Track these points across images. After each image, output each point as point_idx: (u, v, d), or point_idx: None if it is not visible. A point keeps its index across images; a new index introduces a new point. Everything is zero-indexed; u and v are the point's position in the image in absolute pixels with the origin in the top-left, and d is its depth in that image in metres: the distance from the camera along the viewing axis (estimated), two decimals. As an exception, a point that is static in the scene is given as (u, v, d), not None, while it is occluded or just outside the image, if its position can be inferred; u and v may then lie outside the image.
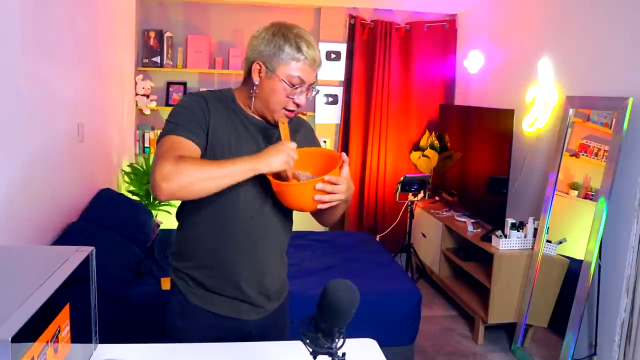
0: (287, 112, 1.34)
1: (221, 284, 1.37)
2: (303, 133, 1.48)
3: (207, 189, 1.19)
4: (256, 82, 1.31)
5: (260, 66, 1.30)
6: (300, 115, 1.41)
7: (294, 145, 1.25)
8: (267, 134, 1.39)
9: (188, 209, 1.39)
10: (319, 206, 1.23)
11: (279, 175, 1.28)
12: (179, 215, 1.42)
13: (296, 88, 1.30)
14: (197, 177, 1.17)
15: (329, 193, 1.21)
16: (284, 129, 1.31)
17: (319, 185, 1.19)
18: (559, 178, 2.90)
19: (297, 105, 1.34)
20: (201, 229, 1.36)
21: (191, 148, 1.25)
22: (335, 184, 1.21)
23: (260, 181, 1.30)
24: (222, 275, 1.37)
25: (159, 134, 1.31)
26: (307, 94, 1.34)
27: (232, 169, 1.19)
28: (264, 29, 1.32)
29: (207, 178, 1.18)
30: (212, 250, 1.37)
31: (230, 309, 1.39)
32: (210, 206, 1.32)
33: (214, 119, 1.31)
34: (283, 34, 1.29)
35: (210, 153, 1.30)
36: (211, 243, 1.36)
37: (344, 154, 1.28)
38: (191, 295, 1.38)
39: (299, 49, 1.28)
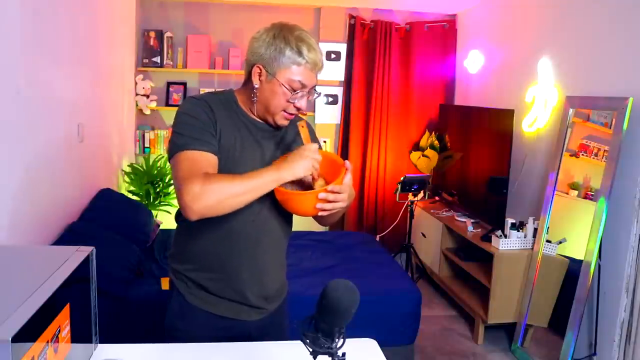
0: (287, 115, 1.32)
1: (222, 288, 1.37)
2: None
3: (237, 205, 1.19)
4: (256, 86, 1.29)
5: (261, 69, 1.27)
6: (300, 115, 1.40)
7: (316, 146, 1.25)
8: (270, 137, 1.38)
9: None
10: (320, 213, 1.24)
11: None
12: (178, 218, 1.41)
13: (297, 92, 1.28)
14: (225, 195, 1.16)
15: (331, 201, 1.21)
16: (304, 132, 1.32)
17: (322, 195, 1.20)
18: (559, 178, 2.90)
19: (298, 109, 1.32)
20: (202, 232, 1.35)
21: (210, 160, 1.24)
22: (338, 193, 1.21)
23: None
24: (223, 279, 1.36)
25: (168, 147, 1.28)
26: (308, 98, 1.33)
27: (259, 181, 1.19)
28: (265, 30, 1.29)
29: (236, 194, 1.17)
30: (212, 253, 1.36)
31: (230, 311, 1.38)
32: None
33: (219, 123, 1.29)
34: (284, 36, 1.25)
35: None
36: (212, 246, 1.35)
37: (347, 162, 1.26)
38: (191, 296, 1.38)
39: (300, 53, 1.25)
